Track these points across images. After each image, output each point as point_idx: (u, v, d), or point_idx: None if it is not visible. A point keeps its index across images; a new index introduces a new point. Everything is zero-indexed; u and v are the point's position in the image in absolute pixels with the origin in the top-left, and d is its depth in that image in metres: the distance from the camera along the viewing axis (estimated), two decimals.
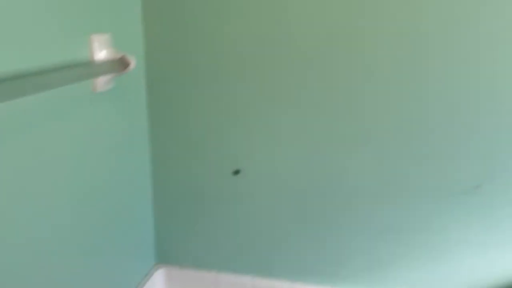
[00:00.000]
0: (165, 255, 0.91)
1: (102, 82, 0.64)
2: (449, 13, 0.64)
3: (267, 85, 0.73)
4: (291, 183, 0.79)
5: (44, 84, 0.48)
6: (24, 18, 0.48)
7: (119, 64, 0.63)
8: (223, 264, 0.88)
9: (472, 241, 0.76)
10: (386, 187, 0.76)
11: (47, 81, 0.49)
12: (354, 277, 0.84)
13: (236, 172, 0.82)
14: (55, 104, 0.55)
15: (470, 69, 0.66)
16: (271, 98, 0.74)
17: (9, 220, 0.50)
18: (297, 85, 0.72)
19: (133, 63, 0.63)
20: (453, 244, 0.77)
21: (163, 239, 0.89)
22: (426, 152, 0.72)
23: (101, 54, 0.62)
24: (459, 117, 0.69)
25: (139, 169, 0.81)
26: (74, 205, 0.62)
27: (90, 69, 0.58)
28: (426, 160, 0.72)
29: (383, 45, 0.67)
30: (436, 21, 0.65)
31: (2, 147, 0.47)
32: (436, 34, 0.65)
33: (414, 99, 0.69)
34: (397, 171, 0.74)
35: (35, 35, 0.50)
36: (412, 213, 0.77)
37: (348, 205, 0.78)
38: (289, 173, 0.78)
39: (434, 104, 0.69)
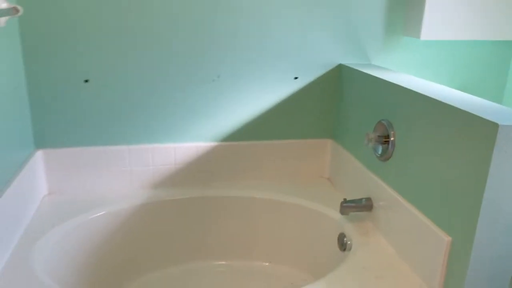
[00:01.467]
0: (43, 141, 1.41)
1: (2, 21, 1.13)
2: None
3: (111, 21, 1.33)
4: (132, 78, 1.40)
5: None
6: None
7: (13, 10, 1.14)
8: (88, 141, 1.44)
9: (221, 107, 1.50)
10: (173, 80, 1.43)
11: None
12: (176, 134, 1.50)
13: (86, 81, 1.38)
14: None
15: None
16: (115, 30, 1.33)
17: None
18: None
19: (21, 10, 1.15)
20: (208, 110, 1.50)
21: (40, 128, 1.40)
22: (188, 55, 1.42)
23: (2, 5, 1.12)
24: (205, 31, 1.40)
25: (14, 73, 1.31)
26: None
27: None
28: (185, 59, 1.42)
29: None
30: None
31: None
32: None
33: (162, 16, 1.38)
34: (179, 67, 1.43)
35: None
36: (188, 93, 1.46)
37: (159, 89, 1.43)
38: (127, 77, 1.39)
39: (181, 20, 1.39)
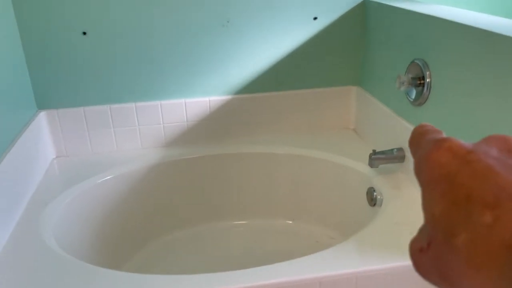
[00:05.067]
0: (46, 101, 1.32)
1: None
2: None
3: None
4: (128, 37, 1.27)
5: None
6: None
7: None
8: (92, 100, 1.34)
9: (231, 59, 1.37)
10: (180, 28, 1.30)
11: None
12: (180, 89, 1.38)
13: (84, 33, 1.26)
14: None
15: None
16: None
17: None
18: None
19: None
20: (222, 60, 1.37)
21: (41, 87, 1.30)
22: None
23: None
24: None
25: (5, 28, 1.20)
26: None
27: None
28: (189, 3, 1.28)
29: None
30: None
31: None
32: None
33: None
34: (180, 18, 1.29)
35: None
36: (196, 42, 1.33)
37: (165, 39, 1.31)
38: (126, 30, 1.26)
39: None
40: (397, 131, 1.21)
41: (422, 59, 1.08)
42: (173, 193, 1.40)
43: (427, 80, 1.06)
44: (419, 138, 0.21)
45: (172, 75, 1.36)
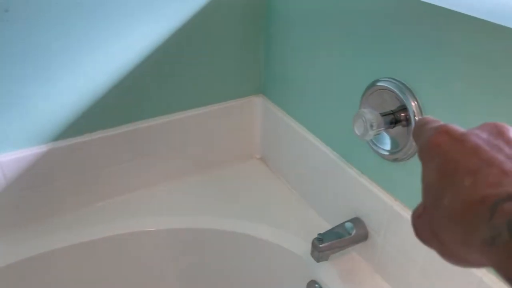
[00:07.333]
0: None
1: None
2: None
3: None
4: None
5: None
6: None
7: None
8: None
9: (17, 74, 0.70)
10: None
11: None
12: None
13: None
14: None
15: None
16: None
17: None
18: None
19: None
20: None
21: None
22: None
23: None
24: None
25: None
26: None
27: None
28: None
29: None
30: None
31: None
32: None
33: None
34: None
35: None
36: None
37: None
38: None
39: None
40: (348, 189, 0.73)
41: (399, 80, 0.59)
42: None
43: (414, 117, 0.57)
44: (421, 128, 0.25)
45: None
